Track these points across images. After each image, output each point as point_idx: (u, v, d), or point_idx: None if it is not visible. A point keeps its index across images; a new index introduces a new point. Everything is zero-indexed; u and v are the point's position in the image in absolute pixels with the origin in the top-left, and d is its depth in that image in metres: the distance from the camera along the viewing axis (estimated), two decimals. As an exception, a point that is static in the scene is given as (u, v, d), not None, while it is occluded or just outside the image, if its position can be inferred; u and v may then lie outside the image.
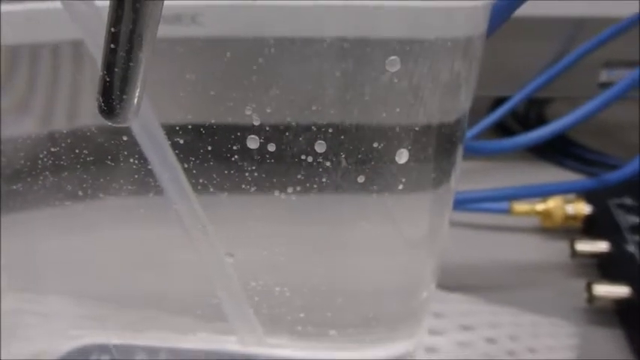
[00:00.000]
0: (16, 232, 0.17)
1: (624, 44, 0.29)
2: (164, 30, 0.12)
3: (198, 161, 0.13)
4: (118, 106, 0.11)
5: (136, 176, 0.15)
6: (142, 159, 0.14)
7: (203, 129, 0.13)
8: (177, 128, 0.13)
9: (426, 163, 0.15)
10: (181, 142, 0.13)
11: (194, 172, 0.14)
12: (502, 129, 0.35)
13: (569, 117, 0.27)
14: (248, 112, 0.12)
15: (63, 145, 0.15)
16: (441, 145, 0.15)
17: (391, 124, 0.13)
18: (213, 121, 0.12)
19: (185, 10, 0.13)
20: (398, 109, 0.13)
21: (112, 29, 0.10)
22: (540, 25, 0.30)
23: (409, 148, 0.13)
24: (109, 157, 0.15)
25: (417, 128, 0.14)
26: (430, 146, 0.15)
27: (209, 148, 0.13)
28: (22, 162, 0.15)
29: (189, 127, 0.13)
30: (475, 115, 0.30)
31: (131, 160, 0.15)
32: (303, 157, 0.13)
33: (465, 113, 0.15)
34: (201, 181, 0.14)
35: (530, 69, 0.31)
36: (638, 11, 0.28)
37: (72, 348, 0.19)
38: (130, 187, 0.15)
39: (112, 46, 0.10)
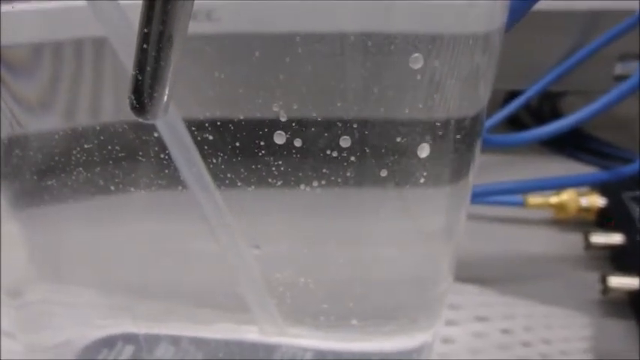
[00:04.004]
0: (43, 224, 0.17)
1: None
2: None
3: (226, 156, 0.14)
4: (149, 103, 0.11)
5: (161, 170, 0.15)
6: (166, 154, 0.15)
7: (231, 125, 0.13)
8: (207, 125, 0.13)
9: (446, 157, 0.15)
10: (210, 138, 0.13)
11: (222, 167, 0.14)
12: (515, 122, 0.36)
13: (585, 110, 0.28)
14: (275, 109, 0.13)
15: (89, 140, 0.15)
16: (460, 139, 0.15)
17: (413, 119, 0.14)
18: (241, 118, 0.13)
19: (199, 6, 0.13)
20: (420, 105, 0.13)
21: (144, 30, 0.11)
22: (555, 19, 0.30)
23: (430, 142, 0.14)
24: (135, 152, 0.15)
25: (437, 123, 0.14)
26: (450, 140, 0.15)
27: (237, 144, 0.13)
28: (50, 157, 0.16)
29: (218, 123, 0.13)
30: (489, 108, 0.30)
31: (156, 155, 0.15)
32: (328, 151, 0.13)
33: (483, 107, 0.16)
34: (229, 175, 0.14)
35: (544, 62, 0.32)
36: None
37: (97, 337, 0.19)
38: (154, 182, 0.16)
39: (144, 46, 0.11)
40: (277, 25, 0.13)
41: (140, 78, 0.11)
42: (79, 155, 0.16)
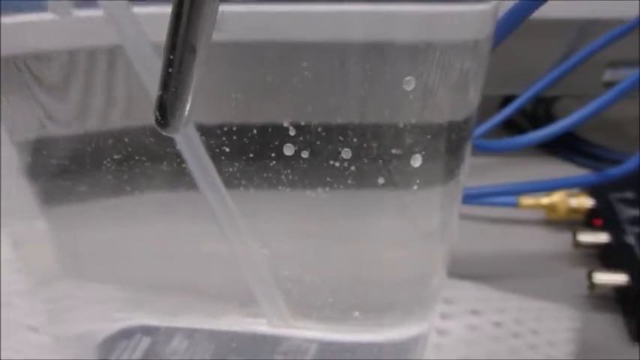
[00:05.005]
0: (69, 223, 0.18)
1: (627, 45, 0.30)
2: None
3: (239, 165, 0.15)
4: (172, 119, 0.12)
5: (177, 175, 0.16)
6: (181, 158, 0.16)
7: (245, 138, 0.14)
8: (224, 139, 0.15)
9: (438, 161, 0.16)
10: (227, 150, 0.15)
11: (238, 174, 0.15)
12: (511, 126, 0.36)
13: (575, 115, 0.28)
14: (285, 125, 0.14)
15: (112, 144, 0.16)
16: (451, 143, 0.16)
17: (407, 130, 0.15)
18: (254, 132, 0.14)
19: None
20: (413, 120, 0.14)
21: (170, 56, 0.12)
22: (548, 27, 0.31)
23: (422, 153, 0.15)
24: (155, 158, 0.16)
25: (429, 135, 0.15)
26: (442, 145, 0.16)
27: (250, 155, 0.15)
28: (72, 159, 0.17)
29: (234, 137, 0.14)
30: (485, 113, 0.31)
31: (174, 161, 0.16)
32: (331, 162, 0.15)
33: (473, 110, 0.16)
34: (242, 182, 0.15)
35: (538, 69, 0.32)
36: (639, 13, 0.29)
37: (116, 330, 0.20)
38: (171, 185, 0.17)
39: (170, 70, 0.12)
40: (279, 34, 0.14)
41: (166, 97, 0.12)
42: (103, 158, 0.17)
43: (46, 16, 0.15)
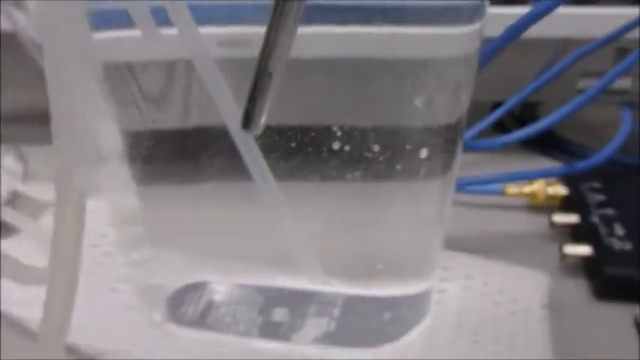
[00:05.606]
0: (153, 202, 0.21)
1: (597, 59, 0.34)
2: (223, 52, 0.16)
3: (297, 160, 0.18)
4: (253, 125, 0.17)
5: (233, 165, 0.18)
6: (238, 155, 0.18)
7: (306, 138, 0.18)
8: (292, 138, 0.18)
9: (438, 155, 0.18)
10: (293, 145, 0.18)
11: (297, 167, 0.18)
12: (502, 127, 0.39)
13: (549, 118, 0.33)
14: (334, 129, 0.18)
15: (188, 139, 0.19)
16: (447, 140, 0.18)
17: (417, 132, 0.18)
18: (312, 134, 0.18)
19: (239, 36, 0.17)
20: (421, 124, 0.18)
21: (256, 84, 0.16)
22: (531, 45, 0.32)
23: (428, 147, 0.18)
24: (216, 153, 0.19)
25: (431, 135, 0.18)
26: (440, 142, 0.18)
27: (309, 148, 0.18)
28: (162, 150, 0.19)
29: (299, 138, 0.18)
30: (479, 116, 0.35)
31: (231, 156, 0.18)
32: (365, 154, 0.18)
33: (464, 112, 0.19)
34: (299, 173, 0.18)
35: (523, 78, 0.36)
36: (607, 34, 0.32)
37: (184, 284, 0.23)
38: (228, 173, 0.19)
39: (256, 95, 0.16)
40: (303, 51, 0.16)
41: (251, 110, 0.17)
42: (183, 151, 0.19)
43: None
